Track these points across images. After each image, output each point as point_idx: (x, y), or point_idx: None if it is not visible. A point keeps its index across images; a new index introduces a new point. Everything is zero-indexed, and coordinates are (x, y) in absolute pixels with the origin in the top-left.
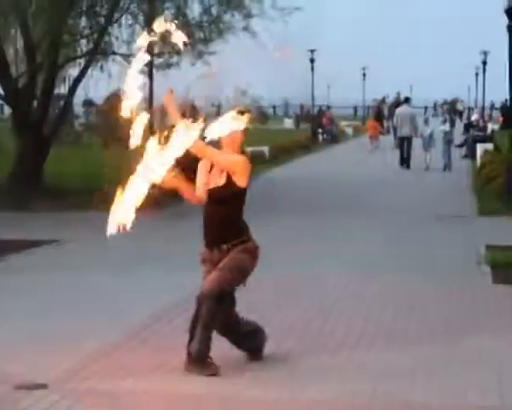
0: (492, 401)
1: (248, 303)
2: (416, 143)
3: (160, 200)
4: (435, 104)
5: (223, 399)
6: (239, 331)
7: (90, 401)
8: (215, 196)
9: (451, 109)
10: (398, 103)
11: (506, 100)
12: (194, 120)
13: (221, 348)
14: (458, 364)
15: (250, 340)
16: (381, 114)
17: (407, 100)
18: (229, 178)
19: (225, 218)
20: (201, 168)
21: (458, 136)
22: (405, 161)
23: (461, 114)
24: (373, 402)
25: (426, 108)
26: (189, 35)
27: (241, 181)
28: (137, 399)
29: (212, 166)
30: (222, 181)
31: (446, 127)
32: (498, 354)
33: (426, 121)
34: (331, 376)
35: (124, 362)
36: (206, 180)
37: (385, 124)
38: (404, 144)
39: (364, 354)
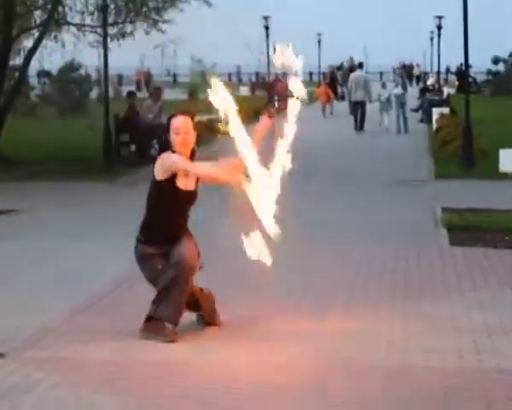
0: (451, 362)
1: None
2: (371, 107)
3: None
4: (394, 69)
5: (180, 365)
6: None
7: (50, 368)
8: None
9: (404, 73)
10: (351, 68)
11: (461, 64)
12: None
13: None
14: (416, 326)
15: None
16: (334, 79)
17: (360, 65)
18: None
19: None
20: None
21: (414, 100)
22: (360, 125)
23: (418, 78)
24: (334, 361)
25: (381, 73)
26: (143, 4)
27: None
28: (97, 365)
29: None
30: (193, 186)
31: (398, 91)
32: (455, 317)
33: (383, 85)
34: (293, 336)
35: (84, 329)
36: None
37: (339, 89)
38: (357, 109)
39: (323, 316)
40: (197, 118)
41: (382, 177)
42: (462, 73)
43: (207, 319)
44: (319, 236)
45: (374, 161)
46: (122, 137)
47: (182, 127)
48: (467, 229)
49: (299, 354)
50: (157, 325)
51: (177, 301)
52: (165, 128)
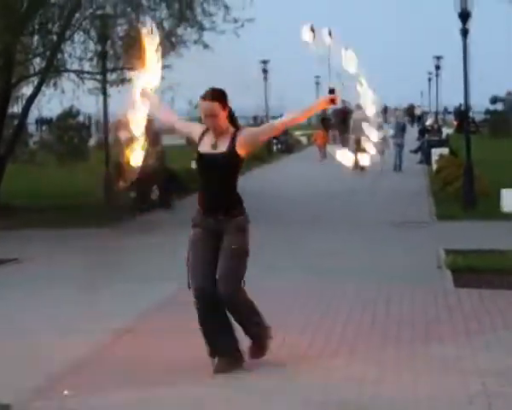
0: (461, 408)
1: None
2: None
3: None
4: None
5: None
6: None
7: None
8: (221, 162)
9: (402, 114)
10: (344, 111)
11: (460, 104)
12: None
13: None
14: (424, 370)
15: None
16: (325, 122)
17: (359, 106)
18: (232, 148)
19: (226, 188)
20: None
21: (413, 141)
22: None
23: (419, 118)
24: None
25: (380, 112)
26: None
27: (243, 150)
28: None
29: (204, 134)
30: (224, 149)
31: (391, 133)
32: (462, 360)
33: (379, 126)
34: (299, 384)
35: (92, 379)
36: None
37: (330, 133)
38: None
39: (330, 362)
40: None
41: (384, 219)
42: (461, 113)
43: None
44: (323, 279)
45: (374, 203)
46: (122, 183)
47: (208, 110)
48: (471, 270)
49: (305, 402)
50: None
51: (253, 322)
52: (167, 173)
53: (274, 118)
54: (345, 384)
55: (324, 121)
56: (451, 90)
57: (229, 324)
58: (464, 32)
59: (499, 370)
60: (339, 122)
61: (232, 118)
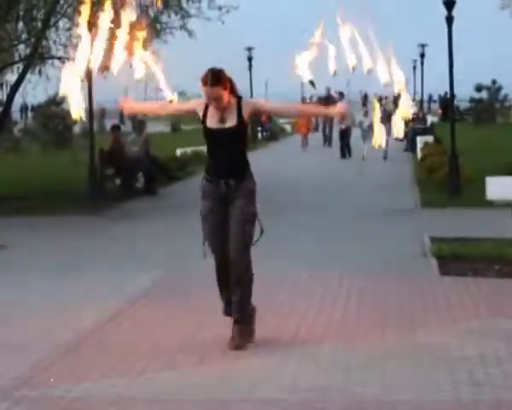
0: (447, 395)
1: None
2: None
3: None
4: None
5: (177, 403)
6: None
7: (43, 407)
8: (232, 134)
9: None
10: (327, 98)
11: (446, 92)
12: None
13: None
14: (410, 357)
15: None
16: None
17: (342, 95)
18: (241, 118)
19: (237, 155)
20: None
21: None
22: (348, 151)
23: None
24: (328, 396)
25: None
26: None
27: (247, 117)
28: (90, 404)
29: (207, 107)
30: (233, 122)
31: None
32: (448, 348)
33: (365, 114)
34: (285, 371)
35: (76, 367)
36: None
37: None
38: (344, 137)
39: (316, 348)
40: (181, 150)
41: (368, 207)
42: (446, 101)
43: None
44: (308, 266)
45: (359, 191)
46: (107, 170)
47: (211, 95)
48: (456, 258)
49: (291, 386)
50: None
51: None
52: (151, 160)
53: None
54: (331, 371)
55: None
56: (436, 78)
57: None
58: (449, 20)
59: (485, 357)
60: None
61: (232, 89)
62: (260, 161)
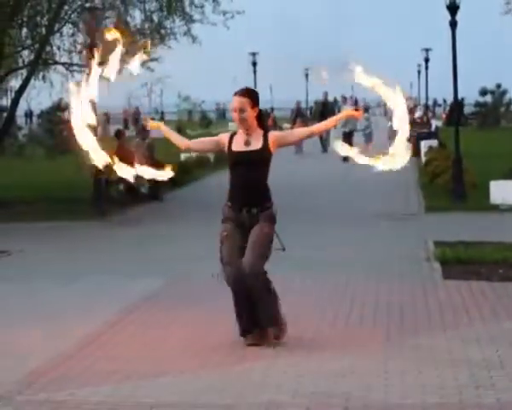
0: (450, 398)
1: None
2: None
3: None
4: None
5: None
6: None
7: None
8: (256, 158)
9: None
10: (324, 104)
11: (461, 98)
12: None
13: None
14: (413, 361)
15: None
16: (300, 115)
17: (345, 99)
18: (266, 143)
19: (260, 182)
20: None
21: None
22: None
23: (410, 111)
24: (332, 400)
25: (367, 107)
26: (132, 42)
27: (274, 148)
28: (94, 408)
29: (232, 137)
30: (258, 145)
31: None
32: (453, 352)
33: (367, 119)
34: (289, 375)
35: (78, 371)
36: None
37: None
38: (347, 139)
39: (320, 354)
40: (186, 155)
41: (373, 211)
42: (453, 106)
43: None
44: (313, 271)
45: (363, 194)
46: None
47: (236, 104)
48: (460, 262)
49: (295, 390)
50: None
51: (268, 303)
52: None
53: (264, 110)
54: (334, 375)
55: (299, 114)
56: (441, 82)
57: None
58: (453, 25)
59: (488, 361)
60: (318, 115)
61: (261, 119)
62: None
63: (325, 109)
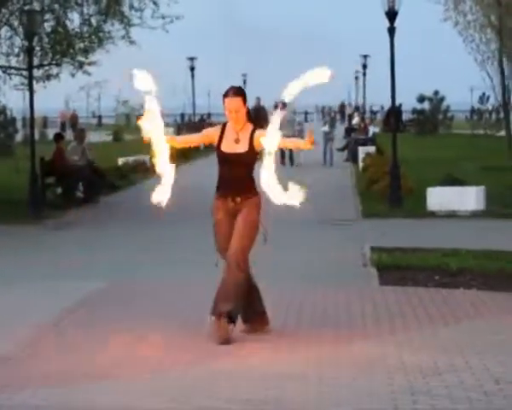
0: (385, 404)
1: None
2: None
3: None
4: (323, 108)
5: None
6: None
7: None
8: (242, 159)
9: (332, 112)
10: (257, 109)
11: (394, 103)
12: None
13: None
14: (348, 367)
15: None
16: None
17: (284, 105)
18: (252, 145)
19: (245, 177)
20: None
21: (339, 139)
22: (290, 158)
23: (350, 117)
24: (266, 407)
25: (306, 113)
26: (70, 45)
27: (258, 147)
28: None
29: (223, 132)
30: (245, 148)
31: (326, 128)
32: (387, 357)
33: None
34: (222, 382)
35: (16, 375)
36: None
37: None
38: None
39: (254, 359)
40: (123, 160)
41: (310, 217)
42: (391, 112)
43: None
44: None
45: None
46: (48, 179)
47: (232, 106)
48: (396, 268)
49: (228, 397)
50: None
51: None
52: (93, 169)
53: (201, 115)
54: (267, 382)
55: None
56: (378, 88)
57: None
58: (391, 31)
59: (424, 367)
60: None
61: (249, 115)
62: (198, 170)
63: (258, 115)
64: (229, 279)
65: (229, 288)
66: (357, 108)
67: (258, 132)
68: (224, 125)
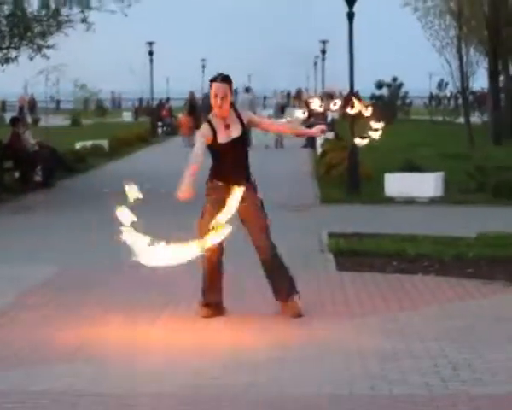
0: (342, 389)
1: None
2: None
3: None
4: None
5: (71, 394)
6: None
7: None
8: (240, 142)
9: (285, 97)
10: (207, 94)
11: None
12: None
13: None
14: (305, 353)
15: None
16: (194, 107)
17: (247, 89)
18: (243, 127)
19: (244, 160)
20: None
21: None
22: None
23: (306, 103)
24: (225, 391)
25: (265, 97)
26: (28, 29)
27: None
28: None
29: (212, 127)
30: (239, 132)
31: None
32: (344, 342)
33: (264, 107)
34: (180, 366)
35: None
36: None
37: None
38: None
39: (217, 345)
40: (80, 144)
41: (267, 202)
42: (348, 98)
43: None
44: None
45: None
46: (5, 163)
47: (220, 91)
48: (354, 254)
49: (185, 382)
50: None
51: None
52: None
53: (159, 100)
54: (224, 369)
55: (191, 107)
56: (337, 74)
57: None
58: (350, 16)
59: (381, 352)
60: (206, 108)
61: (231, 103)
62: (156, 155)
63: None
64: (272, 264)
65: (277, 271)
66: (354, 94)
67: (245, 115)
68: (209, 121)
